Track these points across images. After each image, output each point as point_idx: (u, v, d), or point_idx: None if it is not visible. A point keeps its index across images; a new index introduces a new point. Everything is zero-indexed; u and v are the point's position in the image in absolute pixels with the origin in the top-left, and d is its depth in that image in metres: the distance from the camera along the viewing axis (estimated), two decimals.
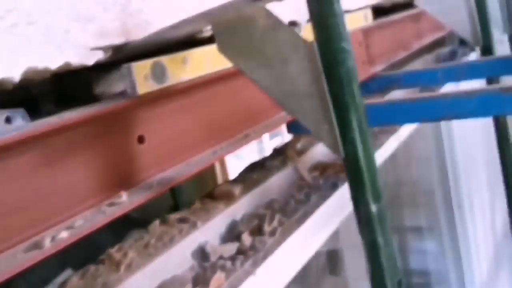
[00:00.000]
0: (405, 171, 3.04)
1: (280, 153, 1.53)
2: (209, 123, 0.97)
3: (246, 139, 1.03)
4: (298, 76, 0.73)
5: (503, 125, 1.77)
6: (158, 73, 0.79)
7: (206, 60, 0.91)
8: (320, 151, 1.54)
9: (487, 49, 1.65)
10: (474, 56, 2.24)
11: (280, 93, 0.75)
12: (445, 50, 2.68)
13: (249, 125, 1.07)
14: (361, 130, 0.71)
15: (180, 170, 0.88)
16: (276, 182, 1.38)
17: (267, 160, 1.48)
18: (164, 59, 0.80)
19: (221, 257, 1.08)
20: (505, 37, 2.66)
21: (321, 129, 0.73)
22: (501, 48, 2.75)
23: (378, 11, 1.97)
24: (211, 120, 0.97)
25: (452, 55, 2.52)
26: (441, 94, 1.09)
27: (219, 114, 1.00)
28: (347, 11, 1.62)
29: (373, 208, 0.72)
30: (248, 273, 1.01)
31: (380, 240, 0.73)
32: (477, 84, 1.84)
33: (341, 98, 0.69)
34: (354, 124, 0.70)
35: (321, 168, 1.50)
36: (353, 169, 0.72)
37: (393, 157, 2.88)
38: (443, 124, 2.65)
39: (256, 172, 1.41)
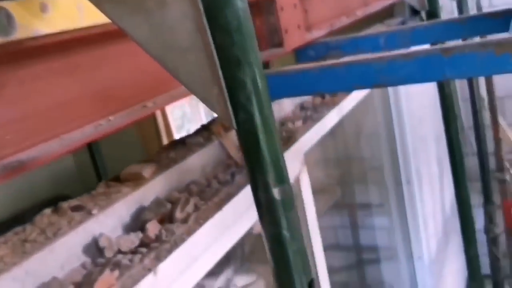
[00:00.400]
0: (355, 148, 2.95)
1: (206, 128, 1.37)
2: (93, 91, 0.78)
3: (143, 110, 0.86)
4: (178, 23, 0.56)
5: (449, 97, 1.66)
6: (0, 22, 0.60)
7: (82, 10, 0.72)
8: None
9: (432, 14, 1.52)
10: None
11: (157, 46, 0.58)
12: (395, 20, 2.57)
13: (150, 95, 0.89)
14: (258, 93, 0.54)
15: (46, 149, 0.69)
16: (198, 161, 1.22)
17: (189, 136, 1.30)
18: (9, 4, 0.61)
19: (119, 252, 0.91)
20: (454, 3, 2.57)
21: (209, 93, 0.56)
22: (450, 16, 2.66)
23: None
24: (96, 88, 0.79)
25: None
26: (376, 57, 0.95)
27: (107, 81, 0.81)
28: None
29: (276, 192, 0.56)
30: (148, 271, 0.84)
31: (285, 233, 0.57)
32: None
33: (228, 52, 0.53)
34: (249, 85, 0.54)
35: None
36: (248, 143, 0.56)
37: (342, 133, 2.79)
38: (392, 98, 2.55)
39: (175, 150, 1.24)
